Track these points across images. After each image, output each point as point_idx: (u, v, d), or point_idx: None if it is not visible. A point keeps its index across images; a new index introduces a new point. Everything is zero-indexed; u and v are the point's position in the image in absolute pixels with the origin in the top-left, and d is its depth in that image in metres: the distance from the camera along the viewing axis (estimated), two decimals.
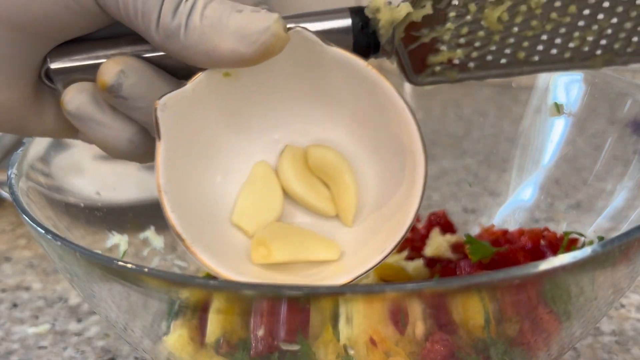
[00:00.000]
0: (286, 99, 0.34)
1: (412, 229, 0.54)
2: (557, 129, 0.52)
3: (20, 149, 0.41)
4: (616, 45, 0.35)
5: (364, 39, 0.33)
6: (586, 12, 0.33)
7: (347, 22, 0.32)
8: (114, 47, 0.31)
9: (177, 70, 0.32)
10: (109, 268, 0.31)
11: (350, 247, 0.34)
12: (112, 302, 0.34)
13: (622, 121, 0.47)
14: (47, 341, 0.49)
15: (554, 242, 0.44)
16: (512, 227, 0.53)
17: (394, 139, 0.33)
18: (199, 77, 0.31)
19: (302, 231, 0.34)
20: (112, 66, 0.30)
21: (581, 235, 0.45)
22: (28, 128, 0.33)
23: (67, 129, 0.33)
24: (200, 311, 0.33)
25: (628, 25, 0.34)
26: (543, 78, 0.52)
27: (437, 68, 0.35)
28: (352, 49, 0.32)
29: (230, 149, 0.35)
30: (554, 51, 0.35)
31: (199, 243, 0.31)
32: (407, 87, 0.59)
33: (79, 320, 0.51)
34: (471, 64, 0.35)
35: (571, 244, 0.45)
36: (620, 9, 0.33)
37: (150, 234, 0.50)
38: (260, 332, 0.31)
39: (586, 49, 0.35)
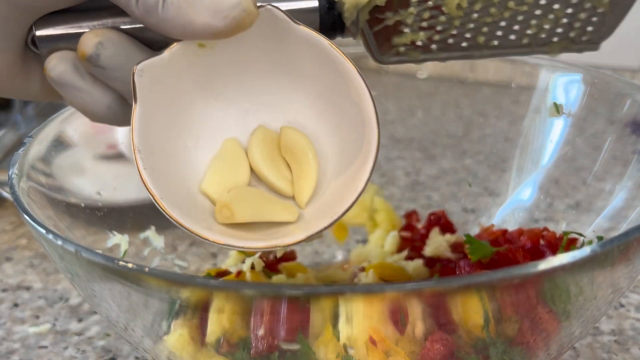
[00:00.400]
0: (256, 72, 0.36)
1: (412, 228, 0.55)
2: (557, 129, 0.52)
3: (21, 149, 0.41)
4: (572, 34, 0.36)
5: (330, 19, 0.35)
6: (542, 1, 0.35)
7: (314, 3, 0.34)
8: (96, 18, 0.33)
9: (154, 42, 0.34)
10: (109, 268, 0.31)
11: (307, 211, 0.37)
12: (113, 302, 0.34)
13: (621, 121, 0.47)
14: (47, 341, 0.49)
15: (553, 242, 0.44)
16: (511, 227, 0.53)
17: (353, 112, 0.35)
18: (175, 47, 0.33)
19: (263, 194, 0.36)
20: (91, 38, 0.32)
21: (580, 235, 0.45)
22: (16, 91, 0.35)
23: (52, 93, 0.35)
24: (201, 311, 0.33)
25: (582, 15, 0.36)
26: (543, 78, 0.52)
27: (402, 49, 0.37)
28: (319, 29, 0.35)
29: (202, 116, 0.37)
30: (512, 37, 0.37)
31: (169, 200, 0.33)
32: (408, 87, 0.60)
33: (80, 320, 0.51)
34: (433, 46, 0.37)
35: (570, 244, 0.45)
36: (575, 0, 0.35)
37: (150, 233, 0.50)
38: (261, 332, 0.31)
39: (543, 36, 0.36)
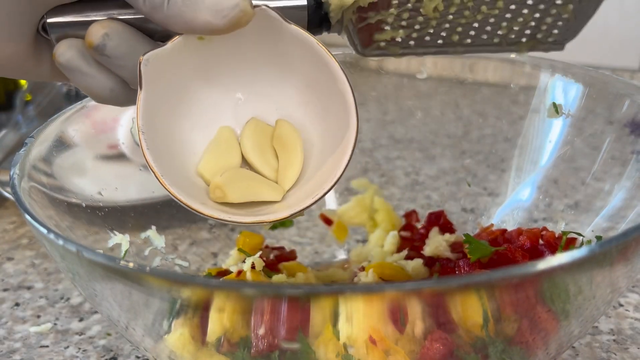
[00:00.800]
0: (250, 64, 0.40)
1: (412, 228, 0.55)
2: (556, 129, 0.52)
3: (23, 149, 0.42)
4: (539, 35, 0.40)
5: (317, 17, 0.38)
6: (512, 7, 0.38)
7: (302, 2, 0.37)
8: (103, 9, 0.36)
9: (155, 33, 0.37)
10: (110, 267, 0.31)
11: (292, 194, 0.40)
12: (114, 301, 0.34)
13: (620, 121, 0.47)
14: (48, 340, 0.49)
15: (552, 242, 0.44)
16: (510, 226, 0.53)
17: (336, 103, 0.38)
18: (177, 39, 0.36)
19: (253, 176, 0.40)
20: (98, 29, 0.35)
21: (579, 234, 0.46)
22: (29, 73, 0.38)
23: (60, 74, 0.38)
24: (202, 310, 0.33)
25: (549, 20, 0.39)
26: (542, 79, 0.52)
27: (382, 44, 0.40)
28: (307, 25, 0.38)
29: (200, 103, 0.40)
30: (484, 36, 0.40)
31: (168, 178, 0.36)
32: (407, 88, 0.60)
33: (81, 320, 0.51)
34: (411, 42, 0.40)
35: (569, 244, 0.45)
36: (542, 6, 0.38)
37: (151, 233, 0.51)
38: (261, 331, 0.31)
39: (512, 36, 0.40)
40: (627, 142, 0.47)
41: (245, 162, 0.41)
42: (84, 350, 0.48)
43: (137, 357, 0.47)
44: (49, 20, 0.36)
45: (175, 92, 0.39)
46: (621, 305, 0.51)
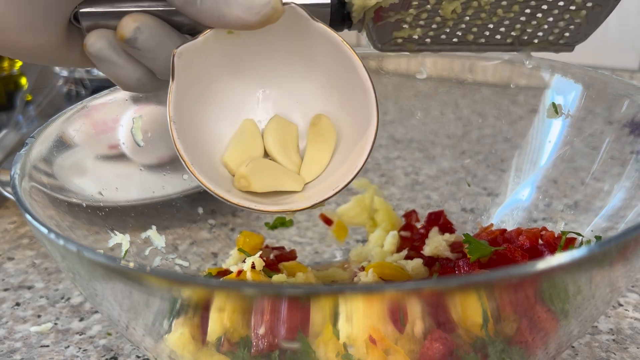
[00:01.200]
0: (275, 59, 0.41)
1: (412, 228, 0.55)
2: (555, 130, 0.52)
3: (23, 149, 0.42)
4: (551, 37, 0.41)
5: (340, 15, 0.40)
6: (527, 11, 0.40)
7: (326, 0, 0.39)
8: (134, 0, 0.37)
9: (182, 26, 0.38)
10: (111, 267, 0.31)
11: (313, 183, 0.42)
12: (114, 301, 0.34)
13: (620, 122, 0.47)
14: (49, 340, 0.49)
15: (551, 242, 0.44)
16: (510, 226, 0.53)
17: (356, 101, 0.40)
18: (208, 33, 0.37)
19: (276, 166, 0.41)
20: (130, 22, 0.36)
21: (579, 234, 0.46)
22: (61, 60, 0.39)
23: (89, 61, 0.39)
24: (202, 310, 0.33)
25: (561, 24, 0.40)
26: (541, 79, 0.52)
27: (399, 40, 0.42)
28: (329, 22, 0.39)
29: (226, 95, 0.42)
30: (498, 37, 0.41)
31: (197, 166, 0.38)
32: (407, 88, 0.60)
33: (81, 319, 0.52)
34: (428, 40, 0.42)
35: (569, 244, 0.45)
36: (556, 11, 0.40)
37: (151, 233, 0.51)
38: (261, 331, 0.31)
39: (525, 37, 0.41)
40: (626, 142, 0.47)
41: (267, 156, 0.42)
42: (85, 350, 0.48)
43: (138, 356, 0.47)
44: (81, 10, 0.37)
45: (203, 84, 0.40)
46: (620, 305, 0.51)
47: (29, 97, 0.83)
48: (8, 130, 0.74)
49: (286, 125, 0.42)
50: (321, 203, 0.39)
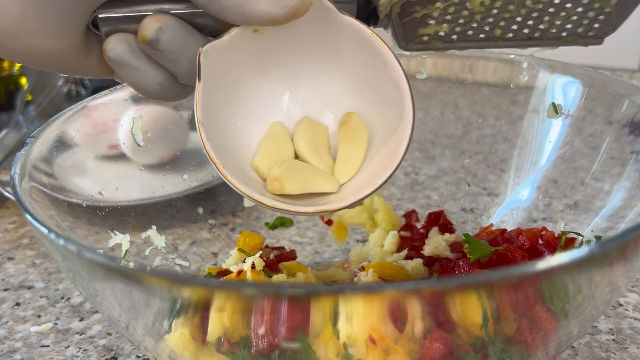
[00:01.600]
0: (302, 55, 0.40)
1: (412, 228, 0.55)
2: (555, 130, 0.52)
3: (23, 149, 0.42)
4: (579, 30, 0.40)
5: (366, 11, 0.38)
6: (556, 1, 0.39)
7: None
8: (154, 3, 0.36)
9: (204, 27, 0.36)
10: (111, 267, 0.31)
11: (347, 186, 0.40)
12: (115, 301, 0.34)
13: (620, 122, 0.47)
14: (49, 340, 0.49)
15: (551, 242, 0.44)
16: (510, 226, 0.53)
17: (389, 93, 0.38)
18: (234, 31, 0.36)
19: (308, 167, 0.40)
20: (152, 23, 0.35)
21: (579, 234, 0.46)
22: (78, 69, 0.38)
23: (107, 70, 0.38)
24: (202, 310, 0.33)
25: (591, 14, 0.39)
26: (541, 79, 0.52)
27: (425, 38, 0.41)
28: (355, 18, 0.38)
29: (253, 96, 0.40)
30: (525, 31, 0.40)
31: (228, 169, 0.36)
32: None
33: (81, 319, 0.52)
34: (454, 37, 0.41)
35: (569, 244, 0.45)
36: (586, 0, 0.39)
37: (152, 233, 0.51)
38: (261, 331, 0.31)
39: (554, 31, 0.40)
40: (626, 142, 0.47)
41: (298, 159, 0.41)
42: (85, 350, 0.48)
43: (138, 356, 0.47)
44: (100, 16, 0.36)
45: (229, 84, 0.39)
46: (620, 304, 0.51)
47: (29, 97, 0.83)
48: (8, 130, 0.74)
49: (316, 126, 0.41)
50: (359, 202, 0.38)
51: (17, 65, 0.91)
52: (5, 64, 0.90)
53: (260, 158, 0.40)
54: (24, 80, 0.91)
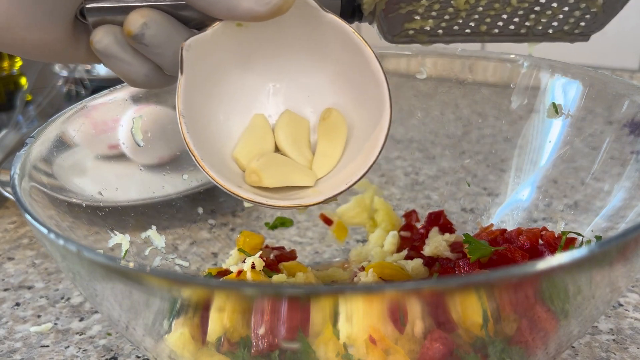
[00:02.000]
0: (285, 51, 0.40)
1: (412, 228, 0.55)
2: (555, 130, 0.52)
3: (23, 149, 0.42)
4: (566, 27, 0.40)
5: (350, 8, 0.39)
6: (542, 0, 0.39)
7: None
8: None
9: (190, 20, 0.37)
10: (111, 267, 0.31)
11: (324, 182, 0.41)
12: (114, 301, 0.34)
13: (620, 122, 0.47)
14: (49, 340, 0.49)
15: (551, 242, 0.44)
16: (510, 226, 0.53)
17: (368, 93, 0.39)
18: (217, 25, 0.37)
19: (287, 161, 0.41)
20: (137, 18, 0.36)
21: (579, 234, 0.46)
22: (67, 56, 0.39)
23: (95, 57, 0.39)
24: (202, 310, 0.33)
25: (577, 13, 0.40)
26: (541, 79, 0.52)
27: (411, 32, 0.41)
28: (340, 14, 0.39)
29: (235, 89, 0.41)
30: (511, 27, 0.40)
31: (207, 161, 0.37)
32: (407, 88, 0.60)
33: (81, 319, 0.52)
34: (440, 31, 0.41)
35: (569, 244, 0.45)
36: (572, 0, 0.39)
37: (151, 233, 0.51)
38: (261, 331, 0.31)
39: (540, 28, 0.40)
40: (626, 142, 0.47)
41: (278, 152, 0.41)
42: (85, 350, 0.48)
43: (138, 357, 0.47)
44: (87, 6, 0.36)
45: (212, 77, 0.40)
46: (621, 305, 0.51)
47: (29, 97, 0.83)
48: (8, 130, 0.74)
49: (297, 120, 0.42)
50: (333, 198, 0.38)
51: (17, 65, 0.91)
52: (5, 64, 0.90)
53: (240, 149, 0.40)
54: (24, 80, 0.91)
